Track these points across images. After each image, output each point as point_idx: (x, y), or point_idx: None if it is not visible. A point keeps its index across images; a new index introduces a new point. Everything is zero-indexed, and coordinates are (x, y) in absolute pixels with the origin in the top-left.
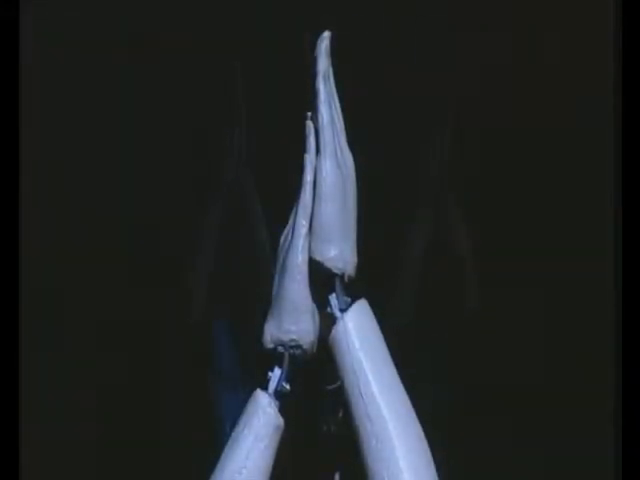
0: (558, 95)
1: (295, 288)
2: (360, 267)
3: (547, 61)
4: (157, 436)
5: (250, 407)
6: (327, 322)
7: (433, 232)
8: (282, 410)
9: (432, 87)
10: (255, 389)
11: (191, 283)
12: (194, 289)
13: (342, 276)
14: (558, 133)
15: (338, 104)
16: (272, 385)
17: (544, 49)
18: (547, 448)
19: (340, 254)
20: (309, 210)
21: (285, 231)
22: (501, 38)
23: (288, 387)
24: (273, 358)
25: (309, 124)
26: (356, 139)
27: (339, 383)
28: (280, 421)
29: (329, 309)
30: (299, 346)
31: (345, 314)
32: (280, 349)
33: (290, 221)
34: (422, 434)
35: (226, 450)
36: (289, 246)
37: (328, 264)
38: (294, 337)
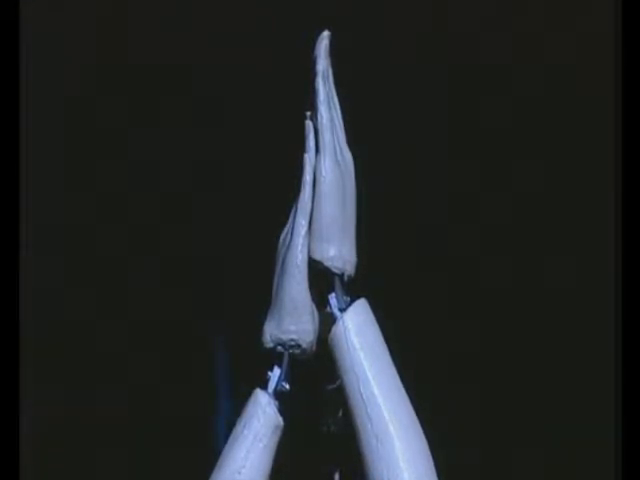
0: (558, 94)
1: (295, 288)
2: (360, 267)
3: (548, 61)
4: (157, 436)
5: (249, 407)
6: (327, 322)
7: (432, 231)
8: (282, 410)
9: (431, 86)
10: (255, 389)
11: (191, 282)
12: (194, 288)
13: (341, 275)
14: (558, 133)
15: (337, 104)
16: (272, 385)
17: (544, 49)
18: (548, 448)
19: (339, 253)
20: (308, 210)
21: (284, 231)
22: (501, 38)
23: (288, 387)
24: (273, 358)
25: (309, 124)
26: (356, 139)
27: (339, 383)
28: (279, 421)
29: (329, 309)
30: (299, 346)
31: (345, 314)
32: (280, 349)
33: (289, 221)
34: (422, 434)
35: (225, 450)
36: (288, 246)
37: (327, 263)
38: (294, 337)
